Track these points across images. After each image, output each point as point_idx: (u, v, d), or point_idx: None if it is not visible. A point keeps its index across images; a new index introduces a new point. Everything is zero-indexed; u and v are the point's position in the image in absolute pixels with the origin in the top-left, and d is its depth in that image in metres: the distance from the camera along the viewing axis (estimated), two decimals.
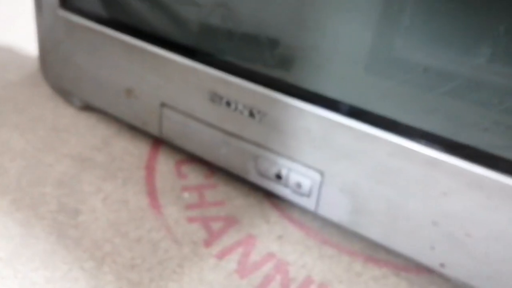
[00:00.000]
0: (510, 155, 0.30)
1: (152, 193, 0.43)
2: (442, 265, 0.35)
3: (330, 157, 0.37)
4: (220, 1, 0.39)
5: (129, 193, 0.43)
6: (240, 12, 0.38)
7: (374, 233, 0.37)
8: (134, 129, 0.51)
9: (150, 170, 0.46)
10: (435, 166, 0.32)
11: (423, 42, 0.31)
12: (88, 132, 0.50)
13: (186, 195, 0.43)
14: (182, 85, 0.42)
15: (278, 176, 0.40)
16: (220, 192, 0.44)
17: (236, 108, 0.40)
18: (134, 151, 0.48)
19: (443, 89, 0.31)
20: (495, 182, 0.30)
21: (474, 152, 0.31)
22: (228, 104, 0.40)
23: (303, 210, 0.43)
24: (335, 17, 0.34)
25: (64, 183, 0.44)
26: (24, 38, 0.68)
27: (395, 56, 0.33)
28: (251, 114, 0.39)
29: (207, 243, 0.39)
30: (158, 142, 0.50)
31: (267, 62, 0.38)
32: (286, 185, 0.40)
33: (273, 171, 0.40)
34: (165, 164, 0.47)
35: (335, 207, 0.38)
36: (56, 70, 0.53)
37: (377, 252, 0.40)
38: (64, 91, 0.54)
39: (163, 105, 0.45)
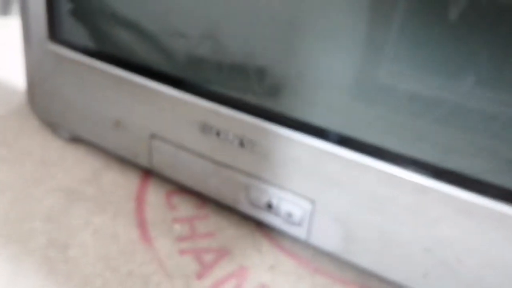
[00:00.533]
0: (498, 180, 0.31)
1: (142, 225, 0.43)
2: None
3: (321, 186, 0.37)
4: (208, 33, 0.40)
5: (119, 226, 0.43)
6: (227, 44, 0.39)
7: (366, 261, 0.37)
8: (124, 160, 0.51)
9: (140, 202, 0.46)
10: (424, 193, 0.32)
11: (408, 70, 0.32)
12: (76, 165, 0.50)
13: (177, 227, 0.43)
14: (172, 116, 0.42)
15: (269, 206, 0.40)
16: (212, 222, 0.44)
17: (226, 138, 0.40)
18: (123, 183, 0.48)
19: (429, 116, 0.32)
20: (484, 208, 0.31)
21: (462, 178, 0.32)
22: (218, 134, 0.40)
23: (295, 239, 0.43)
24: (320, 46, 0.34)
25: (53, 217, 0.43)
26: (11, 71, 0.68)
27: (381, 84, 0.33)
28: (241, 144, 0.39)
29: (199, 276, 0.39)
30: (148, 172, 0.49)
31: (255, 92, 0.39)
32: (277, 214, 0.40)
33: (264, 200, 0.40)
34: (155, 195, 0.47)
35: (326, 236, 0.38)
36: (44, 103, 0.53)
37: (370, 281, 0.40)
38: (52, 123, 0.54)
39: (152, 136, 0.45)
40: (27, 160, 0.50)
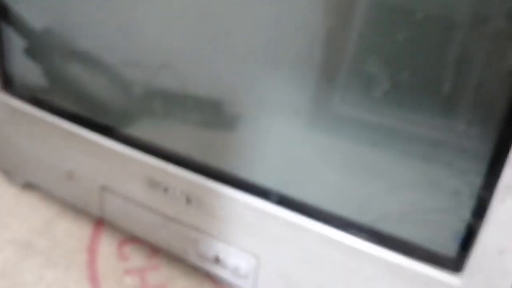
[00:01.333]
0: (425, 244, 0.33)
1: (94, 279, 0.44)
2: None
3: (264, 242, 0.38)
4: (164, 63, 0.41)
5: (70, 280, 0.43)
6: (184, 73, 0.40)
7: None
8: (77, 208, 0.51)
9: (92, 253, 0.46)
10: (358, 254, 0.34)
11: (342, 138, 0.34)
12: (30, 213, 0.50)
13: (128, 279, 0.44)
14: (121, 170, 0.43)
15: (217, 259, 0.41)
16: (163, 273, 0.45)
17: (173, 194, 0.41)
18: (76, 233, 0.48)
19: (365, 187, 0.34)
20: (412, 270, 0.33)
21: (393, 241, 0.34)
22: (165, 190, 0.42)
23: None
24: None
25: (6, 273, 0.44)
26: None
27: (323, 143, 0.35)
28: (188, 201, 0.41)
29: None
30: (101, 221, 0.50)
31: (198, 150, 0.40)
32: (225, 267, 0.41)
33: (211, 254, 0.41)
34: (107, 245, 0.47)
35: None
36: (0, 151, 0.54)
37: None
38: (5, 170, 0.54)
39: (103, 188, 0.46)
40: None
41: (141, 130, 0.43)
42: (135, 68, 0.43)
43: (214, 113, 0.40)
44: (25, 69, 0.49)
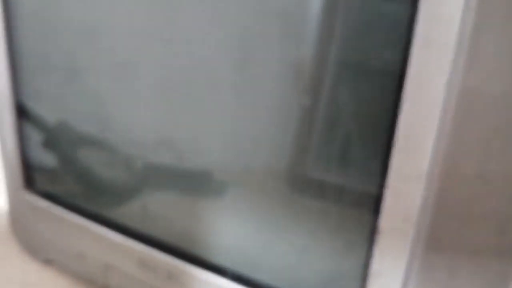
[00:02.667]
0: None
1: None
2: None
3: None
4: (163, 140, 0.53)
5: None
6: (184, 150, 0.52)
7: None
8: (88, 281, 0.63)
9: None
10: None
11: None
12: (50, 284, 0.62)
13: None
14: (118, 253, 0.55)
15: None
16: None
17: (158, 272, 0.53)
18: None
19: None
20: None
21: None
22: (153, 269, 0.53)
23: None
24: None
25: None
26: None
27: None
28: (169, 277, 0.52)
29: None
30: None
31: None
32: None
33: None
34: None
35: None
36: (22, 230, 0.66)
37: None
38: (29, 248, 0.67)
39: (106, 266, 0.57)
40: (8, 286, 0.62)
41: (133, 219, 0.55)
42: (135, 146, 0.55)
43: (203, 182, 0.51)
44: (43, 165, 0.61)
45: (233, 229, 0.49)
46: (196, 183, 0.51)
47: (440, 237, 0.38)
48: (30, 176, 0.61)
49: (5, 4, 0.54)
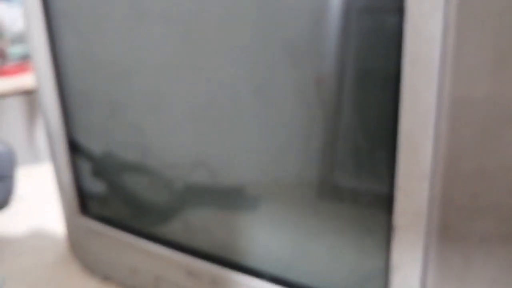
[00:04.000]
0: None
1: None
2: None
3: None
4: (199, 161, 0.59)
5: None
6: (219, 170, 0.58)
7: None
8: None
9: None
10: None
11: None
12: None
13: None
14: (166, 266, 0.61)
15: None
16: None
17: (204, 280, 0.58)
18: None
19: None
20: None
21: None
22: (198, 277, 0.59)
23: None
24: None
25: None
26: (57, 218, 0.89)
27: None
28: (214, 283, 0.58)
29: None
30: None
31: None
32: None
33: None
34: None
35: None
36: (81, 252, 0.73)
37: None
38: (87, 265, 0.74)
39: (157, 278, 0.63)
40: None
41: (177, 234, 0.61)
42: (172, 169, 0.61)
43: (237, 196, 0.56)
44: (94, 192, 0.69)
45: (268, 236, 0.54)
46: (230, 198, 0.57)
47: (450, 229, 0.42)
48: (84, 202, 0.68)
49: (53, 49, 0.62)
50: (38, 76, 0.64)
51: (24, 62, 1.79)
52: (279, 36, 0.47)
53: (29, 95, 2.19)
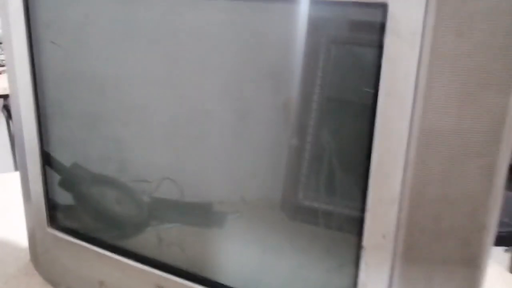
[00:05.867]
0: None
1: None
2: None
3: None
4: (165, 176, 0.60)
5: None
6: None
7: None
8: None
9: None
10: None
11: None
12: None
13: None
14: (136, 280, 0.62)
15: None
16: None
17: None
18: None
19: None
20: None
21: None
22: None
23: None
24: None
25: None
26: (17, 229, 0.87)
27: None
28: None
29: None
30: None
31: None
32: None
33: None
34: None
35: None
36: (44, 265, 0.72)
37: None
38: (52, 281, 0.73)
39: None
40: None
41: (147, 248, 0.61)
42: (144, 182, 0.62)
43: (205, 213, 0.57)
44: (64, 204, 0.68)
45: (235, 253, 0.56)
46: (198, 215, 0.58)
47: (415, 250, 0.45)
48: (53, 214, 0.68)
49: (32, 59, 0.62)
50: (14, 85, 0.64)
51: None
52: (259, 63, 0.49)
53: None
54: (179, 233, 0.60)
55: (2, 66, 1.76)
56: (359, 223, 0.46)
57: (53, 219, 0.68)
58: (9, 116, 2.24)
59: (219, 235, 0.57)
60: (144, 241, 0.62)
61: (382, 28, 0.39)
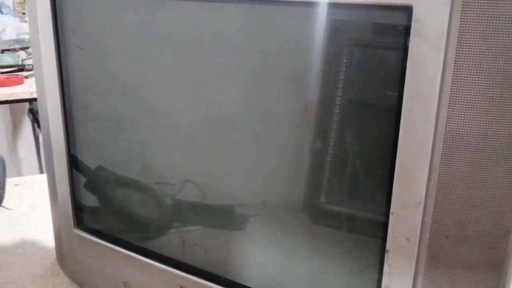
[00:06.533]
0: None
1: None
2: None
3: None
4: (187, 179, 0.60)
5: None
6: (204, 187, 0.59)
7: None
8: None
9: None
10: None
11: None
12: None
13: None
14: (160, 280, 0.62)
15: None
16: None
17: None
18: None
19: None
20: None
21: None
22: None
23: None
24: None
25: None
26: (43, 230, 0.89)
27: None
28: None
29: None
30: None
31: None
32: None
33: None
34: None
35: None
36: (71, 266, 0.73)
37: None
38: (78, 282, 0.74)
39: None
40: None
41: (170, 249, 0.62)
42: (164, 185, 0.63)
43: (227, 216, 0.58)
44: (90, 206, 0.70)
45: (257, 255, 0.56)
46: (220, 217, 0.58)
47: (439, 254, 0.44)
48: (79, 215, 0.69)
49: (60, 64, 0.63)
50: (42, 89, 0.66)
51: (12, 72, 1.78)
52: (282, 66, 0.50)
53: (13, 105, 2.18)
54: (201, 235, 0.61)
55: (29, 70, 1.80)
56: (383, 226, 0.45)
57: (79, 220, 0.69)
58: (34, 120, 2.29)
59: (241, 238, 0.57)
60: (167, 243, 0.63)
61: (406, 30, 0.39)
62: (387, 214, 0.45)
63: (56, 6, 0.60)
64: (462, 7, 0.36)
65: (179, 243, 0.62)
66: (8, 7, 2.21)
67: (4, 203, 0.95)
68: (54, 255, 0.81)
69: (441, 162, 0.41)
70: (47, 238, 0.87)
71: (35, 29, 0.63)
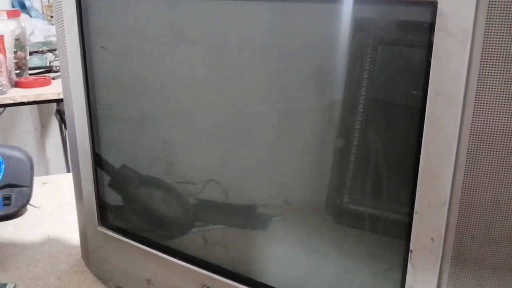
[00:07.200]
0: None
1: None
2: None
3: None
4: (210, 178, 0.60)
5: None
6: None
7: None
8: None
9: None
10: None
11: None
12: None
13: None
14: (182, 278, 0.63)
15: None
16: None
17: None
18: None
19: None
20: None
21: None
22: None
23: None
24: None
25: None
26: (69, 227, 0.91)
27: None
28: None
29: None
30: None
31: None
32: None
33: None
34: None
35: None
36: (95, 263, 0.74)
37: None
38: (102, 278, 0.75)
39: None
40: None
41: (193, 248, 0.62)
42: (187, 185, 0.63)
43: (249, 215, 0.58)
44: (114, 204, 0.70)
45: (280, 254, 0.56)
46: (242, 217, 0.58)
47: (464, 255, 0.43)
48: (104, 213, 0.70)
49: (85, 64, 0.64)
50: (68, 89, 0.67)
51: (40, 74, 1.82)
52: (305, 64, 0.49)
53: (41, 106, 2.23)
54: (223, 234, 0.61)
55: (56, 72, 1.83)
56: (407, 226, 0.45)
57: (103, 218, 0.70)
58: (62, 120, 2.33)
59: (263, 237, 0.57)
60: (190, 241, 0.64)
61: (431, 26, 0.38)
62: (411, 214, 0.44)
63: (81, 7, 0.61)
64: (489, 1, 0.36)
65: (201, 242, 0.62)
66: (36, 10, 2.26)
67: (31, 201, 0.97)
68: (79, 252, 0.83)
69: (466, 161, 0.40)
70: (73, 236, 0.88)
71: (62, 31, 0.64)
